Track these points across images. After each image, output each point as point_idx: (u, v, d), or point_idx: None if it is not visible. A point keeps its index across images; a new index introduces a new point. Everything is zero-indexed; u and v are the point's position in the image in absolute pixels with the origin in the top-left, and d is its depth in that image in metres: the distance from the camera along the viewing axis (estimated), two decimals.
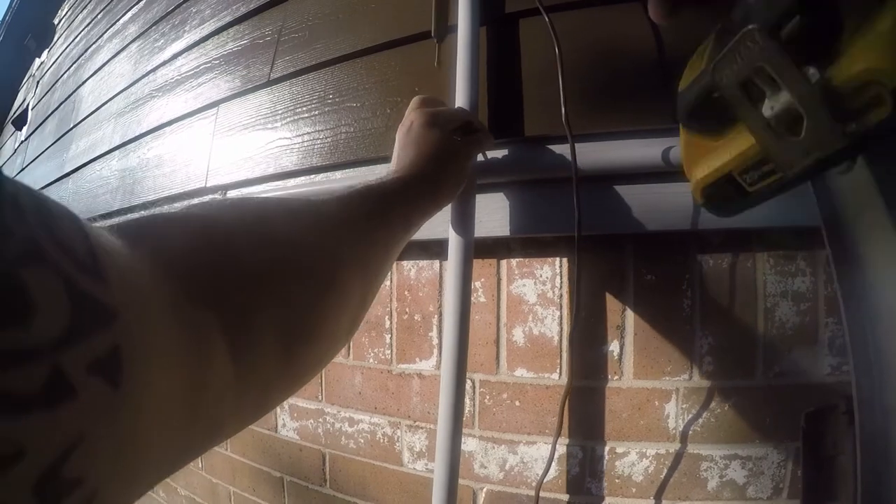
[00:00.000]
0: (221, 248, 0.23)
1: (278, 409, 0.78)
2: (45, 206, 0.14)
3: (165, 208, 0.24)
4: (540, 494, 0.54)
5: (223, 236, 0.24)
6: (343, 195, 0.34)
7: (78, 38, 1.87)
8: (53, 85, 2.01)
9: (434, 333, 0.63)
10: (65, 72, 1.90)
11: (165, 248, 0.20)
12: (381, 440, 0.66)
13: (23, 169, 2.11)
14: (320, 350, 0.30)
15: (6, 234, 0.12)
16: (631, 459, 0.53)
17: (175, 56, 1.10)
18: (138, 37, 1.31)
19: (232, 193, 0.83)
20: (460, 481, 0.53)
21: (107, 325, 0.14)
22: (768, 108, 0.18)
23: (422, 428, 0.63)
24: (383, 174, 0.41)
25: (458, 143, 0.45)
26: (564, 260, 0.55)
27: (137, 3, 1.38)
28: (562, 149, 0.52)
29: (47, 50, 2.45)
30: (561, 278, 0.55)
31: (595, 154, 0.50)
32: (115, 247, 0.17)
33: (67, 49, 1.98)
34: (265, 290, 0.24)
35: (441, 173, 0.43)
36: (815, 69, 0.17)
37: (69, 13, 2.20)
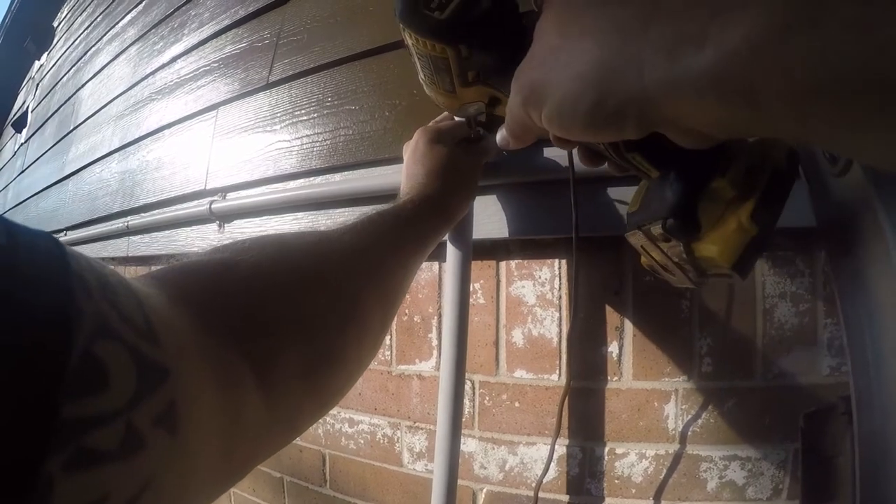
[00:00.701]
0: (246, 295, 0.25)
1: None
2: (105, 280, 0.16)
3: (195, 257, 0.26)
4: (540, 495, 0.54)
5: (248, 284, 0.26)
6: (356, 225, 0.35)
7: (77, 41, 1.87)
8: (53, 88, 2.01)
9: (434, 335, 0.63)
10: (64, 74, 1.90)
11: (199, 301, 0.22)
12: (381, 441, 0.66)
13: (23, 171, 2.12)
14: (344, 376, 0.32)
15: (79, 314, 0.14)
16: (630, 460, 0.53)
17: (174, 59, 1.10)
18: (137, 40, 1.31)
19: (231, 195, 0.83)
20: (460, 482, 0.53)
21: (164, 383, 0.16)
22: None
23: (422, 429, 0.63)
24: (397, 198, 0.42)
25: (464, 156, 0.46)
26: (563, 261, 0.55)
27: (136, 6, 1.38)
28: (559, 150, 0.52)
29: (47, 53, 2.45)
30: (560, 280, 0.55)
31: None
32: (160, 306, 0.19)
33: (67, 52, 1.98)
34: (289, 329, 0.26)
35: (450, 190, 0.44)
36: (682, 245, 0.27)
37: (69, 16, 2.20)
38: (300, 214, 0.73)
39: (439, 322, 0.62)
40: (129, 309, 0.16)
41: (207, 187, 0.89)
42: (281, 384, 0.25)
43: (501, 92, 0.33)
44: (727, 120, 0.18)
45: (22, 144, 2.31)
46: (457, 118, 0.49)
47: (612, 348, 0.53)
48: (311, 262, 0.30)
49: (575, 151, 0.34)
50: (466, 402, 0.59)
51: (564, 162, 0.49)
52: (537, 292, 0.56)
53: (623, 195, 0.50)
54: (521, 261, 0.58)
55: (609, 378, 0.53)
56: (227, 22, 0.95)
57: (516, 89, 0.25)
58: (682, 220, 0.26)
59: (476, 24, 0.30)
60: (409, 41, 0.33)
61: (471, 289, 0.58)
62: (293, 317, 0.27)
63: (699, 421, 0.51)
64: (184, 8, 1.12)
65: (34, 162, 1.95)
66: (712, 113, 0.18)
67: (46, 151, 1.80)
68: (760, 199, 0.25)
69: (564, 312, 0.55)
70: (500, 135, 0.34)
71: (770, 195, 0.25)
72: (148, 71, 1.19)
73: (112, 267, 0.18)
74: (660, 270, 0.32)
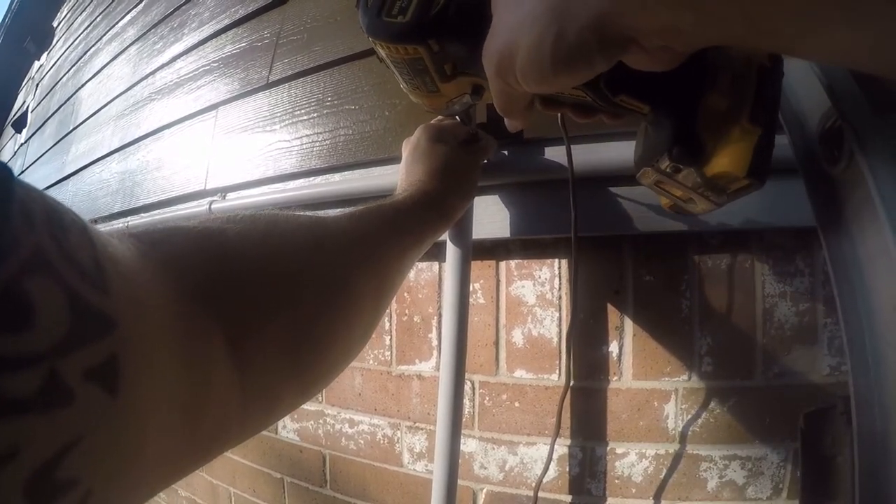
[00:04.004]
0: (229, 261, 0.24)
1: None
2: (55, 215, 0.14)
3: (183, 221, 0.24)
4: (541, 495, 0.54)
5: (231, 250, 0.24)
6: (354, 213, 0.35)
7: (77, 41, 1.87)
8: (53, 88, 2.01)
9: (433, 335, 0.63)
10: (64, 74, 1.90)
11: (175, 259, 0.21)
12: (382, 441, 0.66)
13: (22, 171, 2.11)
14: (331, 360, 0.31)
15: (13, 243, 0.12)
16: (631, 460, 0.53)
17: (174, 59, 1.10)
18: (137, 40, 1.31)
19: (231, 195, 0.83)
20: (460, 482, 0.53)
21: (106, 334, 0.14)
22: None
23: (422, 429, 0.63)
24: (395, 194, 0.41)
25: (465, 155, 0.46)
26: (563, 261, 0.55)
27: (136, 6, 1.38)
28: (559, 150, 0.52)
29: (46, 53, 2.45)
30: (560, 280, 0.55)
31: (592, 155, 0.50)
32: (125, 256, 0.17)
33: (67, 52, 1.98)
34: (271, 301, 0.25)
35: (450, 189, 0.43)
36: (693, 169, 0.27)
37: (68, 16, 2.20)
38: (298, 212, 0.73)
39: (439, 322, 0.62)
40: (78, 249, 0.14)
41: (207, 187, 0.89)
42: (259, 360, 0.23)
43: (480, 76, 0.33)
44: (676, 26, 0.18)
45: (22, 144, 2.31)
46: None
47: (613, 348, 0.53)
48: (302, 241, 0.29)
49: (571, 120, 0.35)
50: (466, 402, 0.59)
51: (564, 162, 0.49)
52: (537, 292, 0.56)
53: (624, 194, 0.50)
54: (520, 260, 0.57)
55: (609, 378, 0.53)
56: (226, 21, 0.95)
57: (487, 63, 0.26)
58: (685, 145, 0.26)
59: (437, 17, 0.32)
60: (382, 53, 0.35)
61: (471, 289, 0.58)
62: (278, 292, 0.25)
63: (699, 420, 0.51)
64: (183, 7, 1.12)
65: (34, 162, 1.95)
66: (659, 20, 0.18)
67: (46, 151, 1.80)
68: (754, 99, 0.25)
69: (564, 312, 0.55)
70: (506, 122, 0.35)
71: (763, 94, 0.25)
72: (148, 71, 1.19)
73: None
74: (681, 205, 0.32)
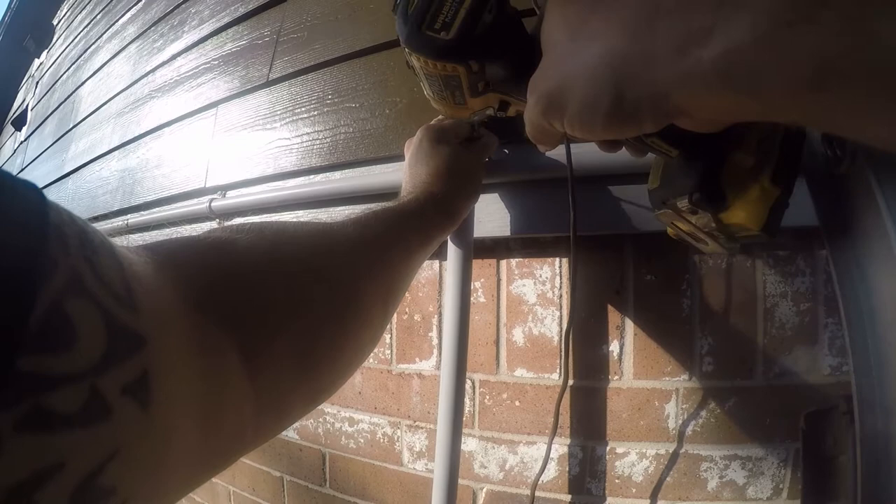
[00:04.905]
0: (239, 273, 0.24)
1: None
2: (86, 238, 0.15)
3: (192, 234, 0.25)
4: (542, 495, 0.54)
5: (241, 262, 0.25)
6: (360, 218, 0.35)
7: (77, 39, 1.86)
8: (53, 86, 2.01)
9: (434, 333, 0.63)
10: (64, 72, 1.90)
11: (187, 272, 0.21)
12: (381, 440, 0.66)
13: (22, 169, 2.11)
14: (341, 366, 0.31)
15: (52, 267, 0.13)
16: (631, 459, 0.53)
17: (174, 57, 1.10)
18: (137, 37, 1.31)
19: (231, 193, 0.83)
20: (460, 481, 0.53)
21: (138, 351, 0.15)
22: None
23: (422, 428, 0.63)
24: (400, 197, 0.41)
25: (467, 154, 0.46)
26: (564, 260, 0.55)
27: (136, 3, 1.38)
28: (559, 149, 0.51)
29: (46, 51, 2.44)
30: (560, 278, 0.55)
31: (592, 154, 0.49)
32: (146, 273, 0.18)
33: (66, 50, 1.98)
34: (281, 311, 0.25)
35: (454, 189, 0.43)
36: (710, 214, 0.28)
37: (68, 14, 2.20)
38: (300, 212, 0.73)
39: (440, 321, 0.62)
40: (109, 271, 0.15)
41: (207, 185, 0.89)
42: (271, 368, 0.24)
43: (512, 96, 0.33)
44: (735, 109, 0.19)
45: (22, 142, 2.31)
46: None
47: (613, 347, 0.53)
48: (310, 249, 0.29)
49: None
50: (467, 401, 0.59)
51: (564, 160, 0.49)
52: (538, 291, 0.56)
53: (623, 194, 0.50)
54: (521, 259, 0.57)
55: (610, 377, 0.53)
56: (227, 19, 0.95)
57: (534, 100, 0.26)
58: (708, 194, 0.28)
59: (483, 38, 0.30)
60: (415, 64, 0.33)
61: (471, 287, 0.58)
62: (288, 301, 0.26)
63: (700, 420, 0.51)
64: (184, 5, 1.12)
65: (34, 160, 1.94)
66: (721, 103, 0.19)
67: (46, 149, 1.80)
68: (778, 162, 0.26)
69: (565, 311, 0.55)
70: (538, 146, 0.35)
71: (786, 157, 0.27)
72: (148, 69, 1.19)
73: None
74: (689, 240, 0.33)
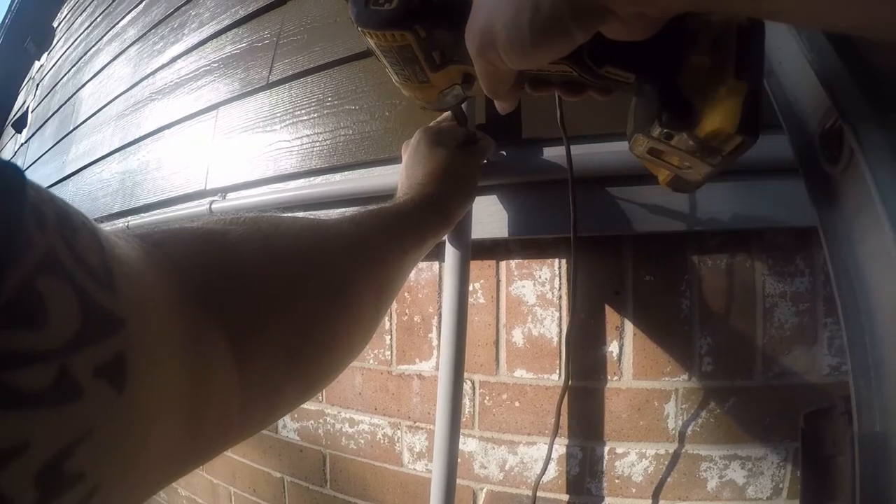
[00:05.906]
0: (231, 263, 0.24)
1: None
2: (66, 217, 0.15)
3: (186, 223, 0.25)
4: (541, 495, 0.54)
5: (234, 252, 0.25)
6: (355, 216, 0.35)
7: (77, 41, 1.87)
8: (53, 88, 2.01)
9: (434, 334, 0.63)
10: (64, 75, 1.90)
11: (178, 260, 0.21)
12: (382, 441, 0.66)
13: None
14: (332, 361, 0.31)
15: (27, 244, 0.13)
16: (630, 460, 0.53)
17: (174, 59, 1.10)
18: (137, 40, 1.31)
19: (231, 196, 0.83)
20: (461, 482, 0.53)
21: (114, 333, 0.15)
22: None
23: (422, 428, 0.63)
24: (395, 198, 0.41)
25: (464, 157, 0.46)
26: (563, 261, 0.55)
27: (136, 6, 1.38)
28: (557, 150, 0.52)
29: (47, 53, 2.45)
30: (560, 279, 0.55)
31: (591, 155, 0.50)
32: (130, 257, 0.18)
33: (67, 52, 1.98)
34: (272, 303, 0.25)
35: (450, 192, 0.43)
36: (685, 133, 0.27)
37: (69, 16, 2.20)
38: (300, 215, 0.73)
39: (439, 322, 0.62)
40: (87, 251, 0.15)
41: (208, 187, 0.89)
42: (259, 360, 0.24)
43: (468, 64, 0.34)
44: None
45: (22, 144, 2.31)
46: (444, 113, 0.50)
47: (613, 348, 0.53)
48: (304, 244, 0.29)
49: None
50: (467, 401, 0.59)
51: (563, 162, 0.49)
52: (537, 292, 0.56)
53: (624, 194, 0.50)
54: (521, 260, 0.57)
55: (609, 377, 0.53)
56: (227, 22, 0.95)
57: (470, 43, 0.27)
58: (674, 109, 0.26)
59: (423, 3, 0.33)
60: (372, 43, 0.36)
61: (471, 288, 0.58)
62: (280, 295, 0.26)
63: (699, 420, 0.51)
64: (184, 8, 1.12)
65: (34, 162, 1.95)
66: None
67: (47, 152, 1.80)
68: (737, 57, 0.25)
69: (564, 312, 0.55)
70: (496, 104, 0.36)
71: (745, 51, 0.25)
72: (148, 71, 1.19)
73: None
74: (680, 175, 0.31)
